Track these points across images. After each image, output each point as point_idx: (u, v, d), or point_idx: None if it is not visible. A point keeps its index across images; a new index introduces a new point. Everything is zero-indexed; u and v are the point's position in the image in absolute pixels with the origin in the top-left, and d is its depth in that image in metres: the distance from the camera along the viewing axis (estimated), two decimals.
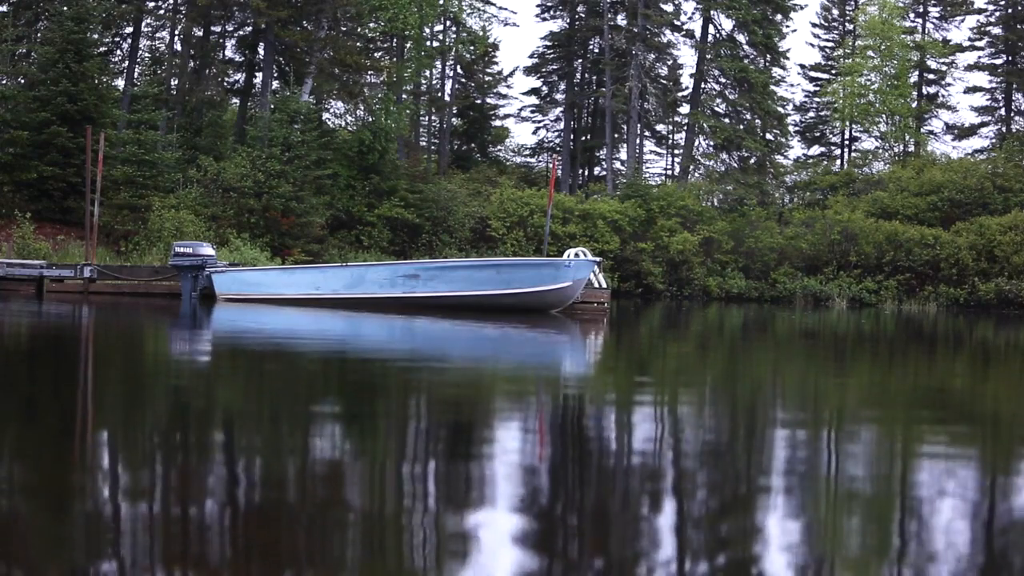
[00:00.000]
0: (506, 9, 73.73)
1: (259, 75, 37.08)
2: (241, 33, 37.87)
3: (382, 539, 3.69)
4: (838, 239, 37.23)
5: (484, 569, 3.33)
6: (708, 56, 44.65)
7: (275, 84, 35.79)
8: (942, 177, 39.58)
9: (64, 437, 5.42)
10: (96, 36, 32.57)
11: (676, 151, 53.49)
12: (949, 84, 49.33)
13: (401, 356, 11.63)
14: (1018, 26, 46.71)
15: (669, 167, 55.30)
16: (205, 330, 14.79)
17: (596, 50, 48.18)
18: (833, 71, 50.10)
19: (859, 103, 45.83)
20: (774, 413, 7.55)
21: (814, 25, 52.98)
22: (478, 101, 51.68)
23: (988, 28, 47.82)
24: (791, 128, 49.46)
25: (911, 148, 46.57)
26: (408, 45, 40.09)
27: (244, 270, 22.24)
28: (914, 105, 47.23)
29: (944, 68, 48.66)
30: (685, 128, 47.89)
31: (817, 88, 51.25)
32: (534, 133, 74.55)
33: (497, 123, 53.40)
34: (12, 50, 33.53)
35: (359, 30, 38.06)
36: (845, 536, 3.95)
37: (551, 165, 48.08)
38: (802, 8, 53.39)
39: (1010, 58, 47.59)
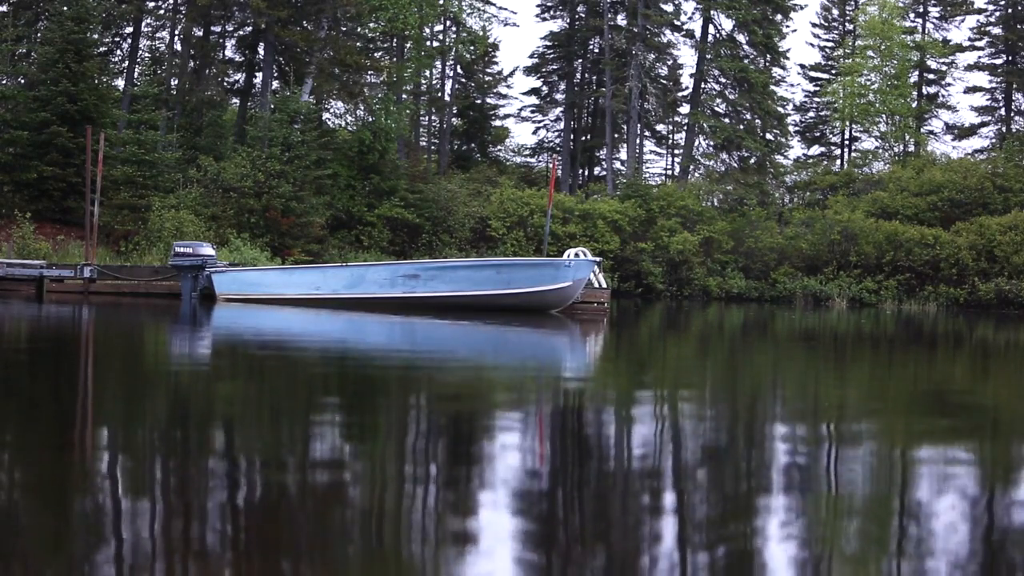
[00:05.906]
0: (506, 9, 73.66)
1: (259, 75, 37.04)
2: (241, 33, 37.84)
3: (383, 539, 3.68)
4: (838, 239, 37.21)
5: (484, 569, 3.33)
6: (708, 56, 44.61)
7: (275, 84, 35.76)
8: (942, 177, 39.54)
9: (65, 439, 5.42)
10: (96, 36, 32.53)
11: (676, 151, 53.45)
12: (949, 84, 49.30)
13: (401, 357, 11.62)
14: (1018, 26, 46.66)
15: (669, 167, 55.30)
16: (205, 331, 14.78)
17: (596, 50, 48.14)
18: (833, 71, 50.04)
19: (859, 103, 45.77)
20: (774, 417, 7.55)
21: (814, 25, 52.98)
22: (478, 101, 51.63)
23: (988, 28, 47.78)
24: (791, 128, 49.44)
25: (911, 148, 46.51)
26: (408, 45, 40.06)
27: (244, 270, 22.22)
28: (914, 105, 47.18)
29: (944, 68, 48.62)
30: (685, 128, 47.86)
31: (817, 88, 51.20)
32: (534, 133, 74.55)
33: (497, 123, 53.36)
34: (12, 50, 33.49)
35: (359, 30, 38.00)
36: (847, 538, 3.94)
37: (551, 165, 48.04)
38: (802, 8, 53.42)
39: (1010, 58, 47.55)
